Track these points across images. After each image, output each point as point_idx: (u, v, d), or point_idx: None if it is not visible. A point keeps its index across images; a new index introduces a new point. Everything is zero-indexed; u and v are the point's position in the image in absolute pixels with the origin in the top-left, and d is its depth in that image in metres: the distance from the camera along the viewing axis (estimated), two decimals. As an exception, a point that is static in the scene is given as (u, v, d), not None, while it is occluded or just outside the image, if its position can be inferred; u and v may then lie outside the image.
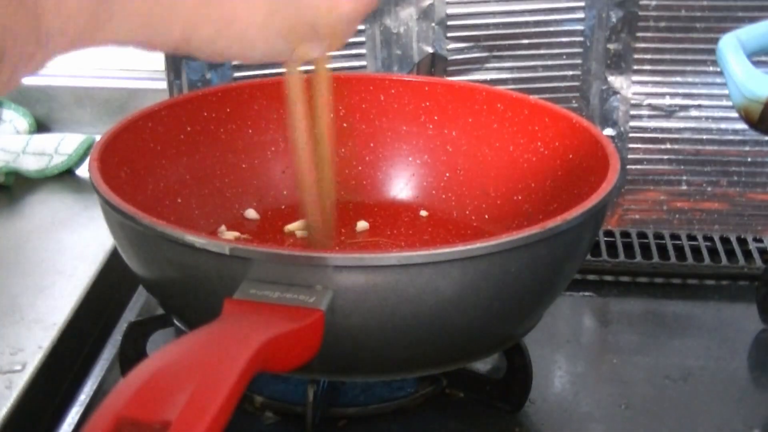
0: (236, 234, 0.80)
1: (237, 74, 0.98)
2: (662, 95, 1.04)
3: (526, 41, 1.02)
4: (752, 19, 0.86)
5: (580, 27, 1.02)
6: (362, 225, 0.83)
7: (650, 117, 1.04)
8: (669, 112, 1.04)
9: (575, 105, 1.04)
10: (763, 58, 0.80)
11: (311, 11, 0.45)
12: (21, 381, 0.68)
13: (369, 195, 0.86)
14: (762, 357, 0.80)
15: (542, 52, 1.03)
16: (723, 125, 1.04)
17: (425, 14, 1.01)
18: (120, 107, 1.10)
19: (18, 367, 0.69)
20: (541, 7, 1.01)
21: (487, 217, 0.82)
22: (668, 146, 1.05)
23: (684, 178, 1.05)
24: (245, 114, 0.84)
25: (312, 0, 0.45)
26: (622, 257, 0.91)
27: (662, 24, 1.01)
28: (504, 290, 0.60)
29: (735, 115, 0.74)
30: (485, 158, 0.83)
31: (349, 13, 0.46)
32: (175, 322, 0.69)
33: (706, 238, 0.95)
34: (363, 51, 1.03)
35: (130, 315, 0.82)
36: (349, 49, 0.99)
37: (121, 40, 0.42)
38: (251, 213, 0.83)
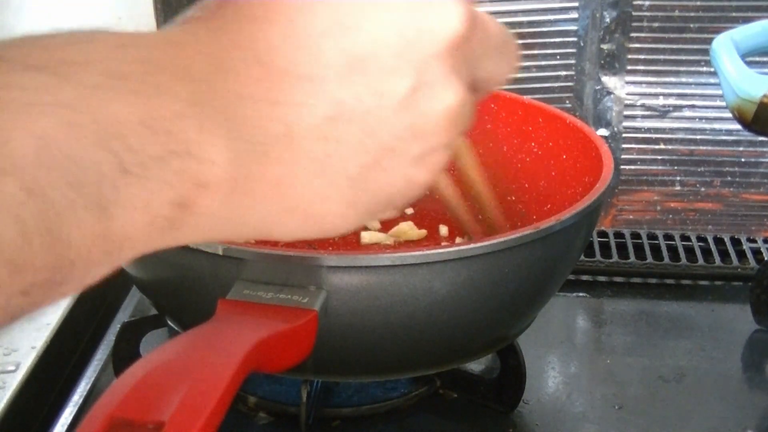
0: None
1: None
2: (656, 95, 1.04)
3: (519, 41, 1.02)
4: (746, 20, 0.87)
5: (573, 27, 1.02)
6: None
7: (644, 117, 1.04)
8: (663, 113, 1.04)
9: (569, 105, 1.04)
10: (757, 59, 0.80)
11: (388, 195, 0.40)
12: (14, 381, 0.68)
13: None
14: (756, 357, 0.80)
15: (536, 52, 1.03)
16: (716, 125, 1.04)
17: (419, 14, 1.01)
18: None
19: (11, 368, 0.69)
20: (534, 7, 1.01)
21: (480, 217, 0.82)
22: (662, 146, 1.05)
23: (677, 178, 1.06)
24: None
25: (387, 183, 0.40)
26: (615, 258, 0.91)
27: (656, 24, 1.01)
28: (497, 291, 0.60)
29: (728, 115, 0.74)
30: (478, 159, 0.83)
31: (427, 182, 0.42)
32: (169, 322, 0.69)
33: (700, 239, 0.95)
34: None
35: (123, 315, 0.82)
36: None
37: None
38: None
